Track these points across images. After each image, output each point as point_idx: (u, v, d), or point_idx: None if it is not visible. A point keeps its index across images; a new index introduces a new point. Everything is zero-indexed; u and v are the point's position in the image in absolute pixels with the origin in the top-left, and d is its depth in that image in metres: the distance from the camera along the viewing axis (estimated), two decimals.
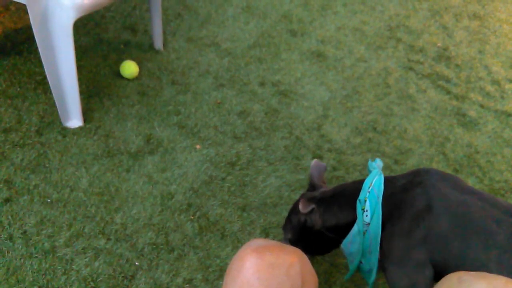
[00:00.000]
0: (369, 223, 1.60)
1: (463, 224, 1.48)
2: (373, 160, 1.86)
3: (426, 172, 1.62)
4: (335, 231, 1.74)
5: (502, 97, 3.15)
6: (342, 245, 1.71)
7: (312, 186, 1.84)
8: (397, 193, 1.60)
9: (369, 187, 1.62)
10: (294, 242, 1.82)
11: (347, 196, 1.70)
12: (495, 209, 1.47)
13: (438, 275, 1.53)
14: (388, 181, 1.64)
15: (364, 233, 1.62)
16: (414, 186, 1.58)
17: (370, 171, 1.71)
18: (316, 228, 1.75)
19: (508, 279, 0.94)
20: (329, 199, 1.74)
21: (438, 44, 3.58)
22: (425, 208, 1.52)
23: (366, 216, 1.60)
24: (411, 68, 3.26)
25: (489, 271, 1.38)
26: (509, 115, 3.01)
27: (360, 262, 1.71)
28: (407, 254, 1.54)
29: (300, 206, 1.68)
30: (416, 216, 1.52)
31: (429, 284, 1.52)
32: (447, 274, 1.45)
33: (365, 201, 1.61)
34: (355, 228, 1.63)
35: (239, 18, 3.42)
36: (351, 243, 1.67)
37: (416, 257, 1.52)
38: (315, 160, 1.88)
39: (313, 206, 1.70)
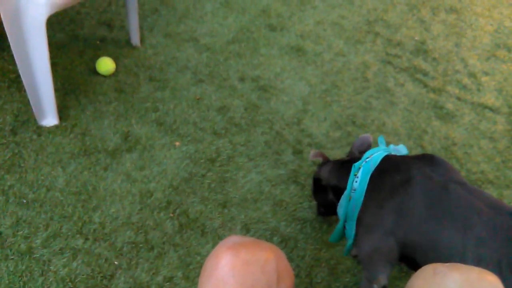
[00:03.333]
0: (355, 190, 1.71)
1: (441, 207, 1.52)
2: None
3: (423, 156, 1.72)
4: (333, 191, 1.88)
5: (479, 90, 3.20)
6: (338, 209, 1.82)
7: (349, 153, 1.96)
8: (387, 168, 1.69)
9: (368, 158, 1.73)
10: (313, 182, 2.03)
11: (353, 163, 1.81)
12: (480, 201, 1.49)
13: (410, 258, 1.57)
14: (387, 157, 1.73)
15: (350, 199, 1.73)
16: (402, 164, 1.66)
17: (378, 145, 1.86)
18: (323, 183, 1.93)
19: (482, 270, 0.96)
20: (342, 162, 1.88)
21: (416, 38, 3.62)
22: (402, 183, 1.60)
23: (356, 182, 1.71)
24: (389, 62, 3.29)
25: (466, 260, 1.41)
26: (485, 107, 3.06)
27: (344, 227, 1.80)
28: (375, 222, 1.63)
29: (311, 153, 1.94)
30: (392, 188, 1.61)
31: (391, 253, 1.60)
32: (418, 255, 1.50)
33: (359, 168, 1.72)
34: (345, 191, 1.75)
35: (217, 13, 3.39)
36: (341, 206, 1.78)
37: (383, 225, 1.60)
38: (367, 134, 1.98)
39: (319, 157, 1.93)
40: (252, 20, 3.40)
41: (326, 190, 1.95)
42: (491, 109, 3.06)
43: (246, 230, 2.07)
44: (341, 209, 1.78)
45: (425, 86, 3.14)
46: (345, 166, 1.83)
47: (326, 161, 1.95)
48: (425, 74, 3.24)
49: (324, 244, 2.07)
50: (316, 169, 2.02)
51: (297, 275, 1.95)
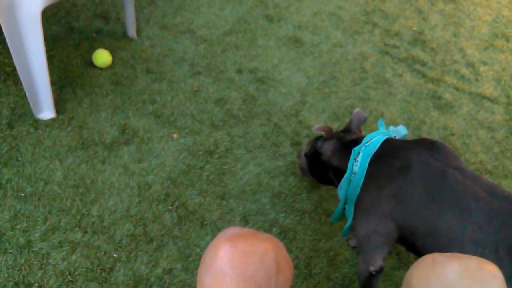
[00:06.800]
0: (355, 173, 1.73)
1: (439, 192, 1.53)
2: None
3: (423, 141, 1.73)
4: (334, 171, 1.92)
5: (477, 80, 3.20)
6: (338, 190, 1.86)
7: (347, 130, 1.97)
8: (387, 153, 1.70)
9: (367, 142, 1.75)
10: (308, 158, 2.07)
11: (353, 146, 1.83)
12: (478, 187, 1.51)
13: (409, 241, 1.58)
14: (387, 141, 1.75)
15: (350, 182, 1.76)
16: (402, 150, 1.67)
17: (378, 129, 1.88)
18: (324, 158, 1.95)
19: (481, 259, 0.96)
20: (344, 143, 1.89)
21: (414, 28, 3.60)
22: (402, 169, 1.61)
23: (355, 166, 1.74)
24: (387, 53, 3.28)
25: (463, 245, 1.42)
26: (483, 97, 3.06)
27: (344, 209, 1.84)
28: (373, 205, 1.65)
29: (317, 126, 1.94)
30: (391, 174, 1.63)
31: (388, 235, 1.62)
32: (417, 239, 1.51)
33: (359, 153, 1.74)
34: (346, 175, 1.77)
35: (214, 4, 3.37)
36: (341, 188, 1.81)
37: (381, 209, 1.62)
38: (358, 109, 1.99)
39: (323, 131, 1.92)
40: (249, 11, 3.38)
41: (325, 166, 1.97)
42: (489, 99, 3.05)
43: (245, 221, 2.07)
44: (341, 191, 1.81)
45: (423, 76, 3.13)
46: (346, 148, 1.85)
47: (329, 136, 1.96)
48: (423, 64, 3.23)
49: (323, 235, 2.08)
50: (309, 142, 2.04)
51: (296, 266, 1.95)
